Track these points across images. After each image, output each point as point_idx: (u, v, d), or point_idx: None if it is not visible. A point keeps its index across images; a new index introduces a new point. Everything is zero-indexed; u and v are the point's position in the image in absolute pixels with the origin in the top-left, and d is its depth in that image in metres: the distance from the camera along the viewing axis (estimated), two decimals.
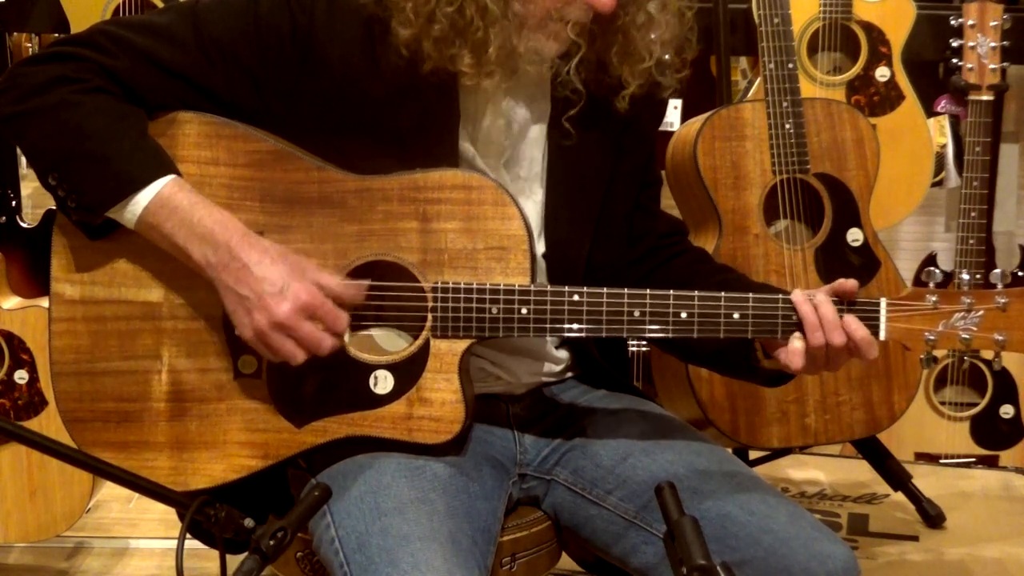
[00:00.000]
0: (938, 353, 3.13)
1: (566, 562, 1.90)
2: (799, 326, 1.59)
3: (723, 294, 1.59)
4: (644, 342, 2.77)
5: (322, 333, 1.56)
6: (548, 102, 1.73)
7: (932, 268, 1.64)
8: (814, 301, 1.58)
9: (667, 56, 1.70)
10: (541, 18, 1.60)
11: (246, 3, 1.64)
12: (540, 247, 1.72)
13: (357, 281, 1.60)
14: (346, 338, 1.61)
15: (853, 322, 1.58)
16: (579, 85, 1.66)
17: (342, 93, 1.64)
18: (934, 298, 1.59)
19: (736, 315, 1.59)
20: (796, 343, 1.59)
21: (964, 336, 1.59)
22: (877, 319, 1.59)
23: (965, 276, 1.63)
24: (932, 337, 1.59)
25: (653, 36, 1.66)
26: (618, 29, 1.65)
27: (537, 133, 1.74)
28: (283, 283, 1.54)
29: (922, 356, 1.63)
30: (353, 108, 1.65)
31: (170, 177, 1.58)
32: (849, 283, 1.60)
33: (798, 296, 1.59)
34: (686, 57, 1.73)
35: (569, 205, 1.74)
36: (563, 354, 1.83)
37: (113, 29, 1.64)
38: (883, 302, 1.60)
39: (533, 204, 1.72)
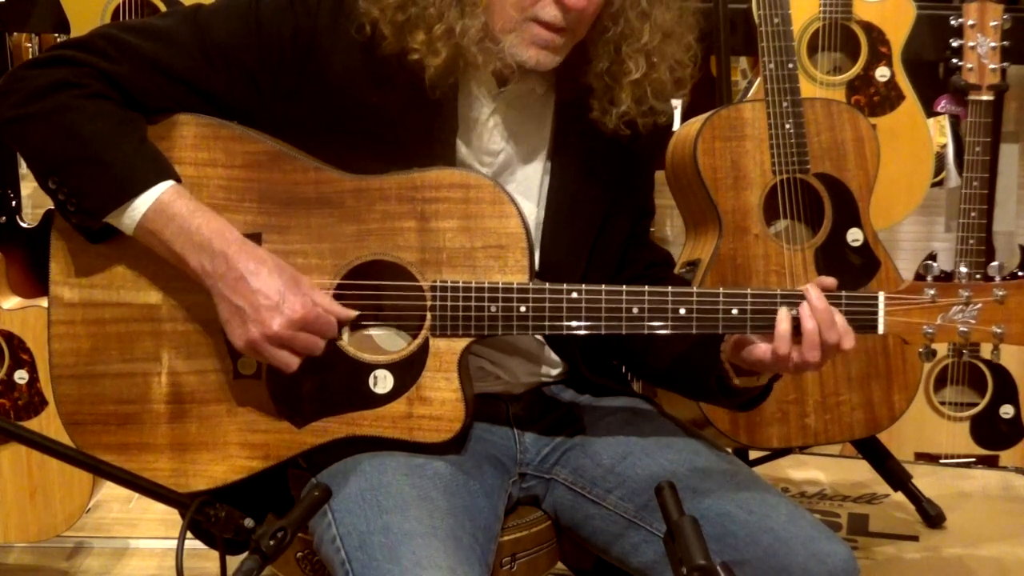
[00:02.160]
0: (938, 353, 3.13)
1: None
2: (787, 306, 1.57)
3: (721, 289, 1.59)
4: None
5: (315, 339, 1.56)
6: (550, 123, 1.74)
7: (929, 262, 1.64)
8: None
9: (660, 76, 1.68)
10: (513, 19, 1.59)
11: (248, 6, 1.65)
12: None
13: (347, 310, 1.60)
14: (345, 338, 1.62)
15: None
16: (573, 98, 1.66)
17: (341, 98, 1.65)
18: (932, 291, 1.59)
19: (735, 310, 1.59)
20: (783, 325, 1.56)
21: (962, 329, 1.59)
22: (875, 313, 1.59)
23: (964, 269, 1.62)
24: (931, 330, 1.59)
25: (644, 50, 1.65)
26: (608, 41, 1.65)
27: (537, 152, 1.75)
28: (279, 296, 1.54)
29: (921, 350, 1.63)
30: (352, 114, 1.65)
31: (169, 183, 1.58)
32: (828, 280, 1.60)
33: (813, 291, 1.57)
34: (684, 79, 1.71)
35: (567, 230, 1.74)
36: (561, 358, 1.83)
37: (115, 33, 1.65)
38: (881, 296, 1.60)
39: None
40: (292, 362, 1.56)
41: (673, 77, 1.69)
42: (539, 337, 1.78)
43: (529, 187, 1.75)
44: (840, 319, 1.57)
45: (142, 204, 1.57)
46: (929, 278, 1.61)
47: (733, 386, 1.67)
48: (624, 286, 1.60)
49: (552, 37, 1.60)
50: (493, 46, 1.61)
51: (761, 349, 1.59)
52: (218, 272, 1.56)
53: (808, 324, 1.56)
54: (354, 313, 1.61)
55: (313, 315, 1.55)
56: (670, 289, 1.59)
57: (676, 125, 2.71)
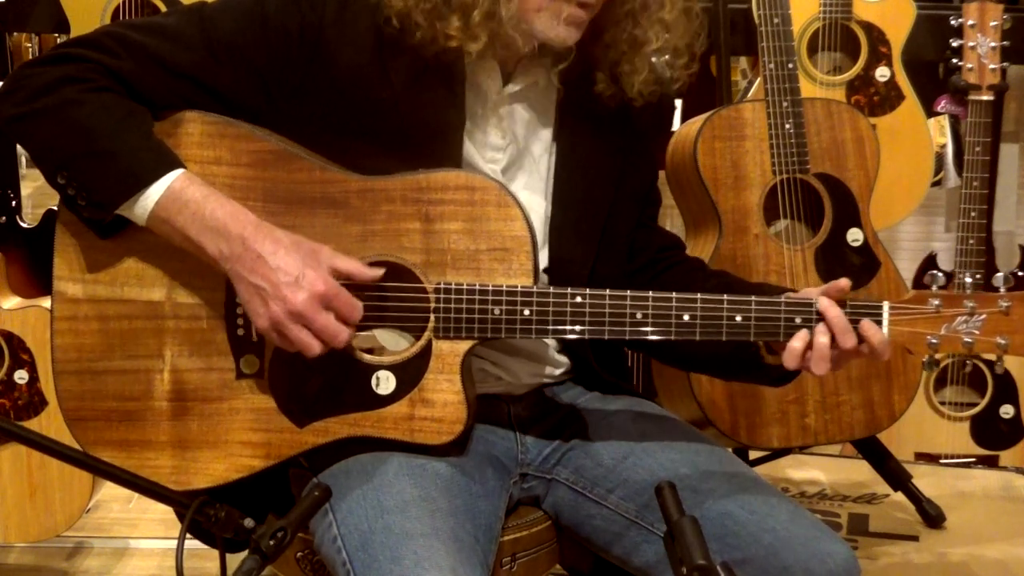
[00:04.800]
0: (939, 354, 3.13)
1: None
2: (808, 328, 1.58)
3: (725, 296, 1.59)
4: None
5: (338, 324, 1.55)
6: (554, 111, 1.74)
7: (935, 272, 1.63)
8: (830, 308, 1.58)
9: (675, 44, 1.69)
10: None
11: (254, 2, 1.64)
12: (543, 260, 1.72)
13: (371, 268, 1.60)
14: None
15: (870, 326, 1.57)
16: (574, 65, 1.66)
17: (348, 94, 1.65)
18: (937, 301, 1.59)
19: (738, 317, 1.59)
20: (796, 343, 1.59)
21: (967, 340, 1.59)
22: (880, 322, 1.59)
23: (968, 280, 1.63)
24: (935, 340, 1.59)
25: (660, 21, 1.67)
26: (627, 14, 1.67)
27: (543, 143, 1.75)
28: (299, 272, 1.54)
29: (924, 359, 1.63)
30: (359, 110, 1.65)
31: (180, 171, 1.58)
32: (842, 282, 1.60)
33: (825, 302, 1.58)
34: (695, 50, 1.73)
35: (574, 221, 1.74)
36: (563, 358, 1.83)
37: (119, 31, 1.64)
38: (886, 305, 1.59)
39: (535, 215, 1.71)
40: (314, 345, 1.55)
41: (687, 47, 1.71)
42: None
43: (538, 180, 1.75)
44: (877, 334, 1.57)
45: (154, 193, 1.57)
46: (934, 287, 1.60)
47: (765, 364, 1.68)
48: (628, 291, 1.60)
49: (583, 15, 1.62)
50: (527, 26, 1.62)
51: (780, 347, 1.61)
52: (235, 254, 1.55)
53: (821, 338, 1.57)
54: (379, 272, 1.60)
55: (334, 291, 1.55)
56: (674, 295, 1.59)
57: (676, 125, 2.71)
